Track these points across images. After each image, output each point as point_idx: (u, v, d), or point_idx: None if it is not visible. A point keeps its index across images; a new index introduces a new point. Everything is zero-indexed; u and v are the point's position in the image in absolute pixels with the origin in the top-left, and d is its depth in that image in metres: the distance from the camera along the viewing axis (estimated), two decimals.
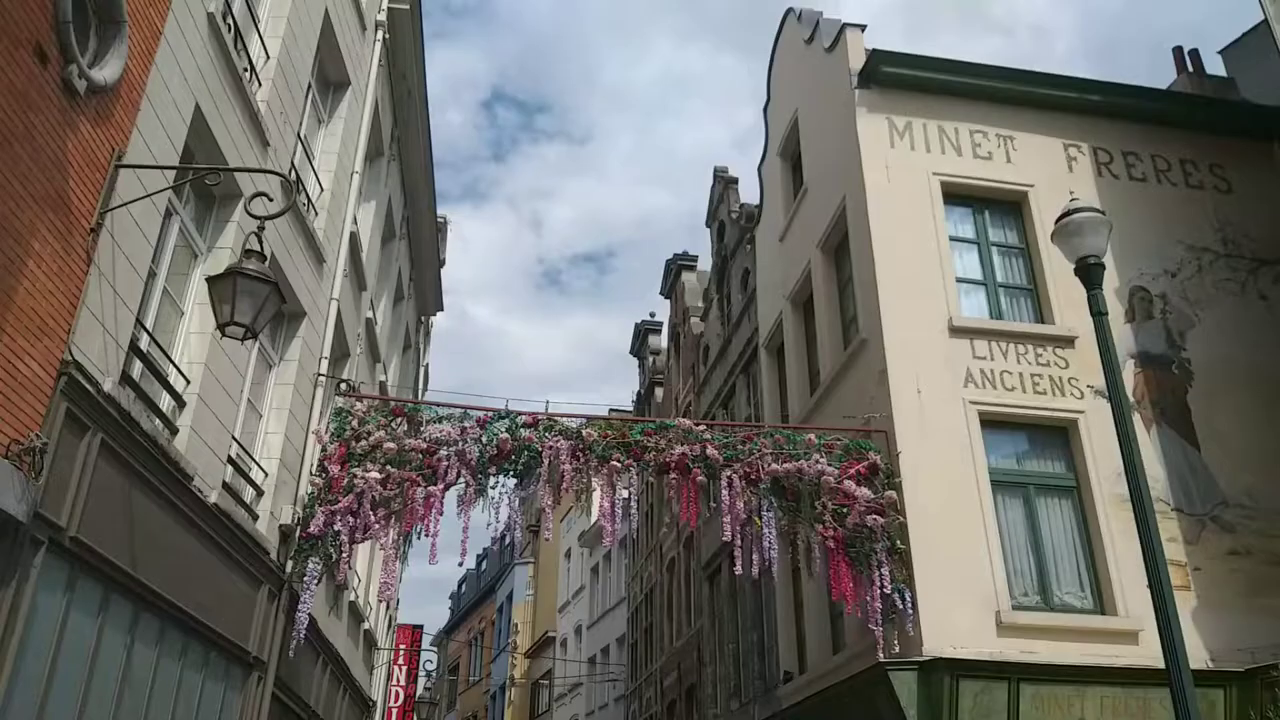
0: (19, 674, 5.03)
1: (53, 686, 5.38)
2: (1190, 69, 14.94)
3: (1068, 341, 11.04)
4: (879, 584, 9.30)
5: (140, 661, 6.47)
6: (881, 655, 9.14)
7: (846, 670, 10.34)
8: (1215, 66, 15.02)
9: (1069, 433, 10.73)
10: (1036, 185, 12.02)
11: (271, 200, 6.43)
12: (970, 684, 8.84)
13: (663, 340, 29.16)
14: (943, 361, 10.65)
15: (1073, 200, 7.69)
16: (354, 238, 11.58)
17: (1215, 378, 11.34)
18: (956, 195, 11.96)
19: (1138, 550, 8.97)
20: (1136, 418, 10.74)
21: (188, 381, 7.14)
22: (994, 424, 10.55)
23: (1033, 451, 10.80)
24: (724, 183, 21.42)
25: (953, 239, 11.68)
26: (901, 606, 9.23)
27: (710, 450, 9.92)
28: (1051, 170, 12.20)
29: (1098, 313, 6.99)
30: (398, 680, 22.00)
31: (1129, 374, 11.10)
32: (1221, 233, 12.29)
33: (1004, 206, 12.16)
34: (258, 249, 5.92)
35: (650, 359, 29.83)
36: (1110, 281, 10.34)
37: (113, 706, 6.09)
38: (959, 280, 11.44)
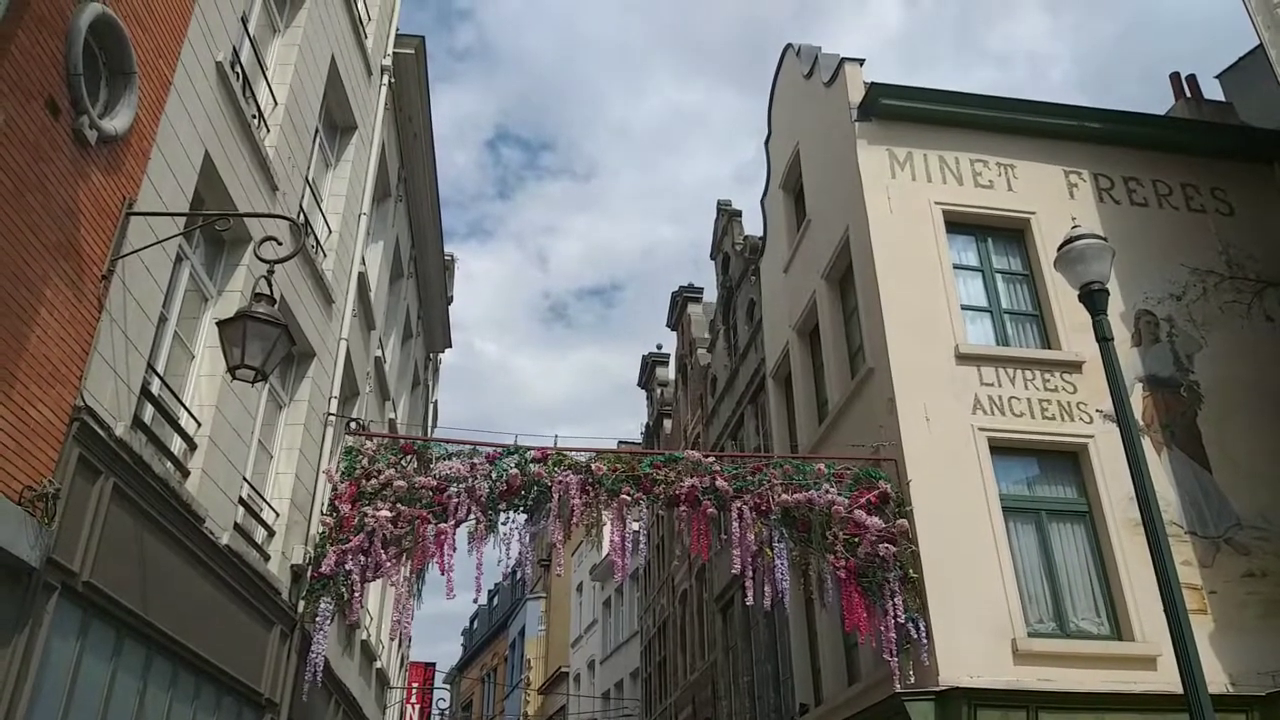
0: (34, 716, 5.03)
1: None
2: (1188, 94, 15.03)
3: (1075, 366, 11.04)
4: (892, 613, 9.24)
5: (153, 705, 6.47)
6: (898, 685, 9.07)
7: (863, 701, 10.25)
8: (1213, 91, 15.11)
9: (1079, 457, 10.70)
10: (1038, 212, 12.07)
11: (280, 244, 6.51)
12: (988, 713, 8.75)
13: (670, 372, 29.20)
14: (950, 389, 10.65)
15: (1075, 227, 7.73)
16: (362, 278, 11.68)
17: (1225, 399, 11.31)
18: (959, 224, 12.01)
19: (1153, 574, 8.99)
20: (1146, 441, 10.71)
21: (199, 424, 7.20)
22: (1004, 450, 10.53)
23: (1043, 477, 10.76)
24: (727, 216, 21.57)
25: (957, 267, 11.72)
26: (916, 636, 9.17)
27: (720, 482, 9.91)
28: (1053, 197, 12.26)
29: (1103, 338, 7.00)
30: (410, 718, 21.84)
31: (1137, 398, 11.08)
32: (1225, 255, 12.31)
33: (1007, 234, 12.21)
34: (267, 293, 6.00)
35: (658, 391, 29.86)
36: (1115, 306, 10.37)
37: None
38: (964, 307, 11.46)
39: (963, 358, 10.85)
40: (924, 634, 9.16)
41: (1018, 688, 8.94)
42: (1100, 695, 9.00)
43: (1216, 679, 9.05)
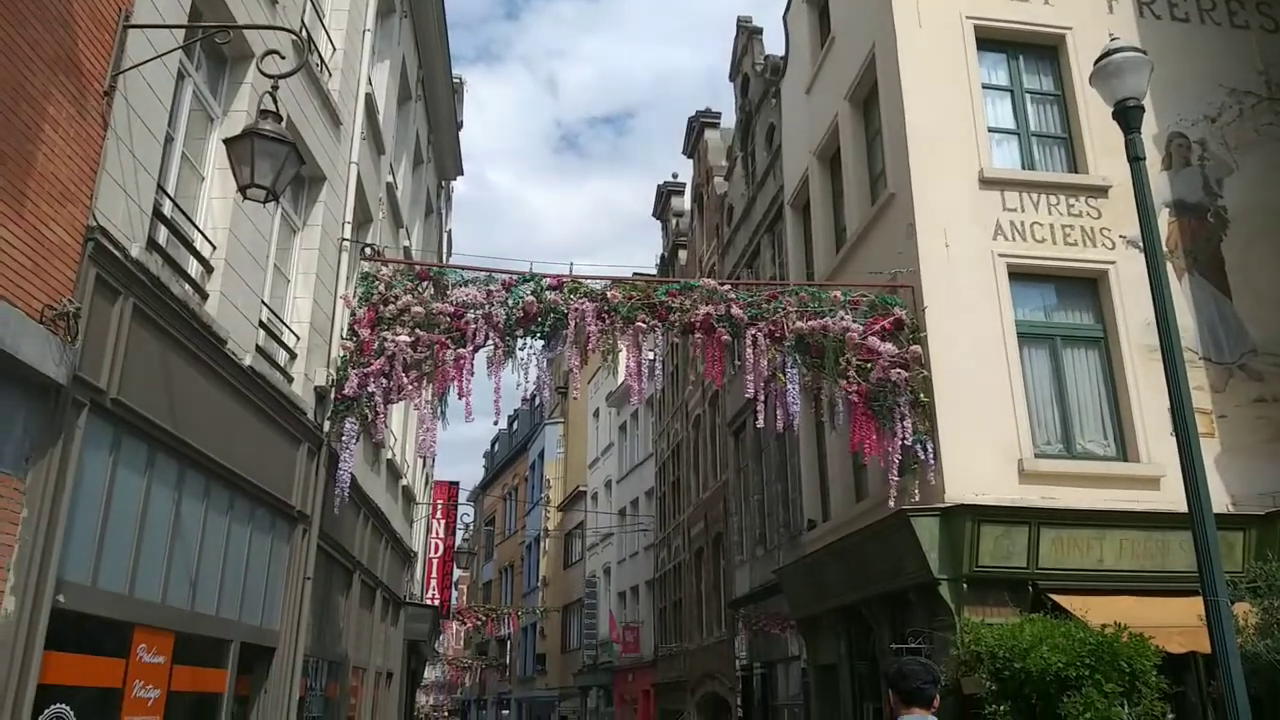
0: (74, 526, 5.28)
1: (107, 537, 5.66)
2: None
3: (1101, 191, 10.79)
4: (901, 436, 9.43)
5: (189, 516, 6.76)
6: (903, 503, 9.37)
7: (869, 517, 10.63)
8: None
9: (1098, 284, 10.63)
10: (1075, 27, 11.50)
11: (284, 58, 6.28)
12: (991, 528, 9.07)
13: (686, 202, 28.78)
14: (972, 214, 10.47)
15: (1113, 40, 7.37)
16: (369, 99, 11.36)
17: (1252, 225, 11.10)
18: (990, 40, 11.48)
19: (1162, 399, 9.04)
20: (1168, 267, 10.56)
21: (214, 247, 7.18)
22: (1023, 276, 10.46)
23: (1061, 303, 10.73)
24: (748, 34, 20.63)
25: (985, 87, 11.30)
26: (924, 457, 9.40)
27: (735, 309, 9.92)
28: (1090, 11, 11.65)
29: (1135, 158, 6.79)
30: (436, 533, 22.90)
31: (1163, 223, 10.88)
32: (1265, 75, 11.78)
33: (1040, 51, 11.68)
34: (273, 109, 5.84)
35: (673, 221, 29.54)
36: (1147, 128, 9.97)
37: (166, 557, 6.41)
38: (991, 130, 11.13)
39: (987, 182, 10.61)
40: (932, 455, 9.39)
41: (1021, 505, 9.22)
42: (1102, 513, 9.28)
43: (1219, 499, 9.26)
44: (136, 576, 6.03)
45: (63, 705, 5.28)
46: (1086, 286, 10.70)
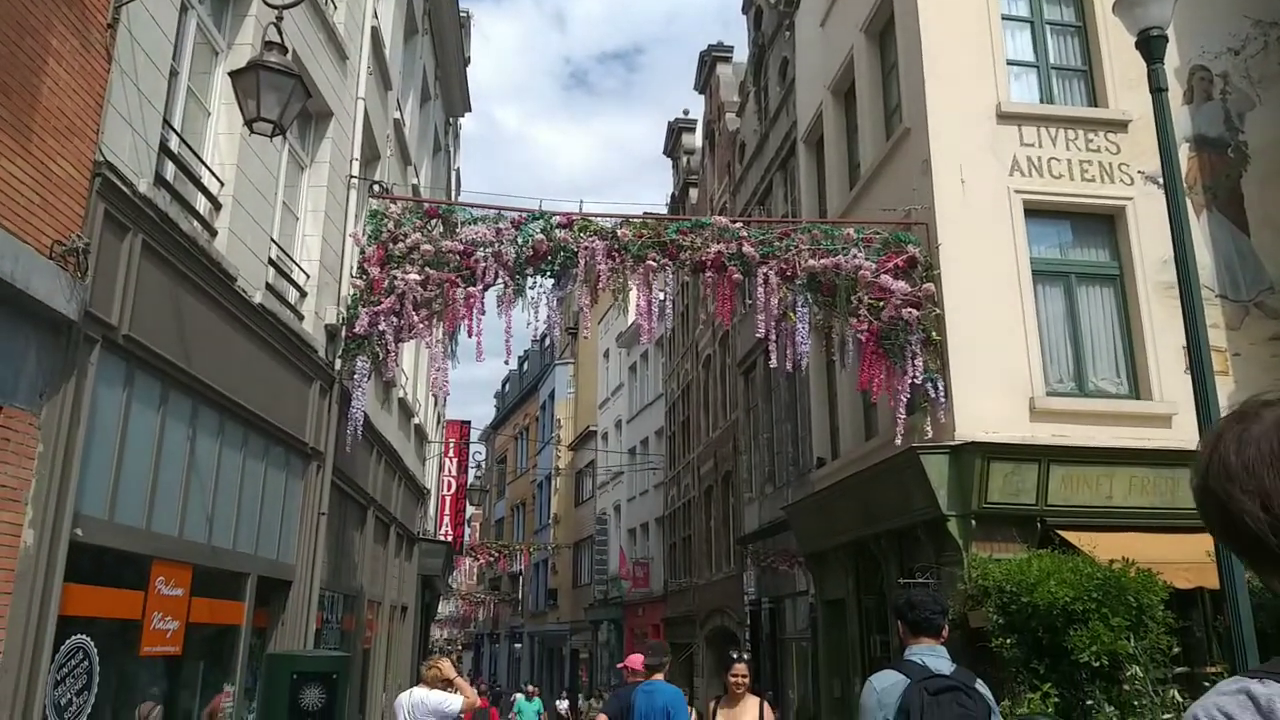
0: (90, 461, 5.33)
1: (123, 473, 5.72)
2: None
3: (1120, 125, 10.59)
4: (912, 374, 9.41)
5: (204, 452, 6.82)
6: (913, 441, 9.39)
7: (879, 455, 10.66)
8: None
9: (1115, 220, 10.49)
10: None
11: None
12: (1001, 465, 9.08)
13: (697, 139, 28.42)
14: (989, 149, 10.30)
15: None
16: (375, 32, 11.18)
17: (1273, 161, 10.89)
18: None
19: (1177, 337, 9.01)
20: (1187, 203, 10.42)
21: (221, 183, 7.13)
22: (1039, 213, 10.32)
23: (1077, 240, 10.60)
24: None
25: (1005, 18, 11.02)
26: (935, 395, 9.39)
27: (746, 247, 9.83)
28: None
29: (1157, 89, 6.63)
30: (449, 471, 23.13)
31: (1182, 157, 10.66)
32: None
33: None
34: (278, 41, 5.75)
35: (684, 159, 29.21)
36: (1169, 61, 9.72)
37: (181, 492, 6.48)
38: (1010, 63, 10.89)
39: (1004, 116, 10.42)
40: (942, 393, 9.37)
41: (1032, 442, 9.22)
42: (1113, 450, 9.28)
43: None
44: (153, 511, 6.11)
45: (83, 636, 5.39)
46: (1103, 223, 10.56)
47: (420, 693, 7.59)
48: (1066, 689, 7.44)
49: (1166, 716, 6.72)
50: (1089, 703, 7.22)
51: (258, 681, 7.41)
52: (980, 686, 3.70)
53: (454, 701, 7.51)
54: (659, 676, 7.35)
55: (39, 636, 4.85)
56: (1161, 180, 7.21)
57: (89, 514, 5.34)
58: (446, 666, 7.82)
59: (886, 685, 3.61)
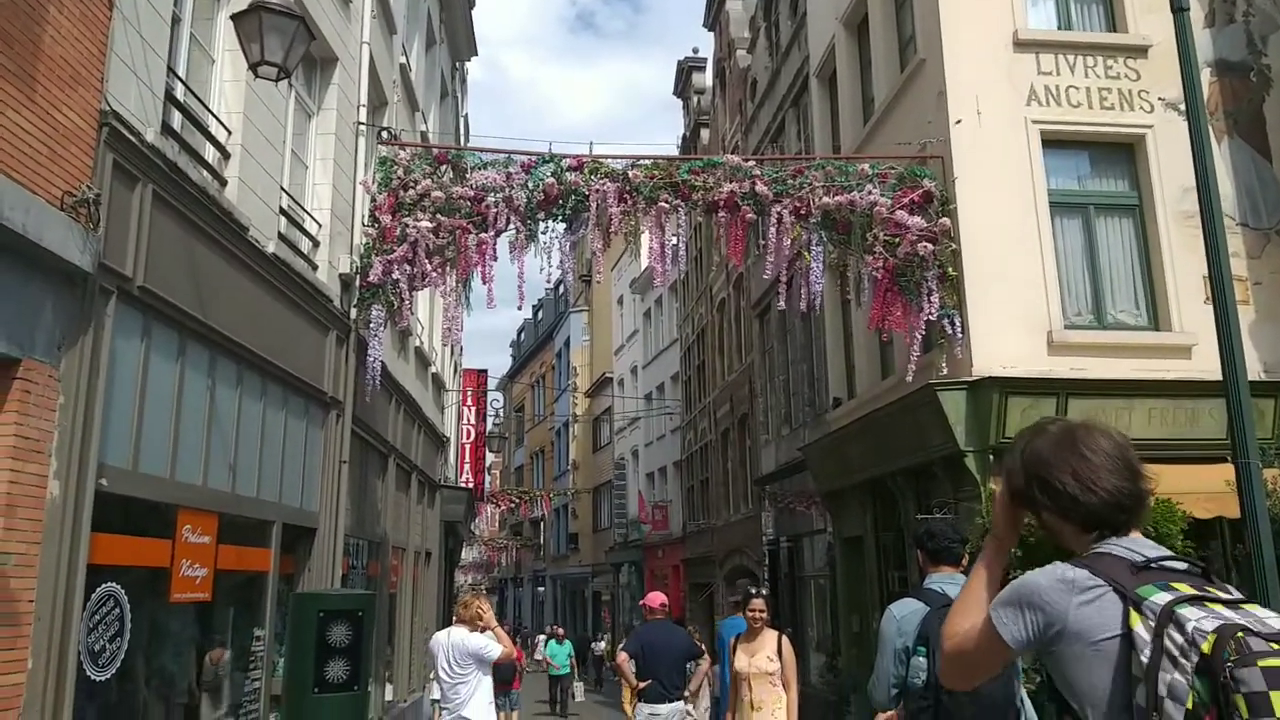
0: (112, 413, 5.38)
1: (145, 423, 5.77)
2: None
3: (1140, 51, 10.34)
4: (928, 311, 9.35)
5: (223, 402, 6.87)
6: (929, 378, 9.36)
7: (895, 393, 10.64)
8: None
9: (1135, 149, 10.30)
10: None
11: None
12: (1018, 400, 9.05)
13: (707, 78, 27.99)
14: (1005, 79, 10.09)
15: None
16: None
17: None
18: None
19: (1197, 267, 8.90)
20: (1208, 129, 10.22)
21: (229, 132, 7.08)
22: (1056, 143, 10.14)
23: (1095, 171, 10.43)
24: None
25: None
26: (951, 331, 9.33)
27: (760, 186, 9.72)
28: None
29: (1179, 8, 6.46)
30: (467, 420, 23.28)
31: (1204, 83, 10.41)
32: None
33: None
34: None
35: (694, 99, 28.80)
36: None
37: (203, 442, 6.55)
38: None
39: (1021, 44, 10.19)
40: (959, 329, 9.32)
41: (1050, 377, 9.18)
42: (1132, 382, 9.23)
43: (1251, 367, 9.10)
44: (177, 461, 6.18)
45: (113, 584, 5.49)
46: (1122, 152, 10.38)
47: (459, 634, 7.08)
48: None
49: None
50: None
51: (286, 625, 7.55)
52: None
53: (494, 648, 7.07)
54: (739, 615, 7.56)
55: (70, 585, 4.94)
56: (1182, 106, 7.07)
57: (113, 464, 5.41)
58: (488, 612, 7.51)
59: (906, 613, 3.63)
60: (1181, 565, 1.75)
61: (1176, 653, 1.57)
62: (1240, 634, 1.53)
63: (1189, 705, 1.52)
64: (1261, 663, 1.49)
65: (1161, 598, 1.64)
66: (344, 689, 4.12)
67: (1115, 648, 1.66)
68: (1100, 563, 1.77)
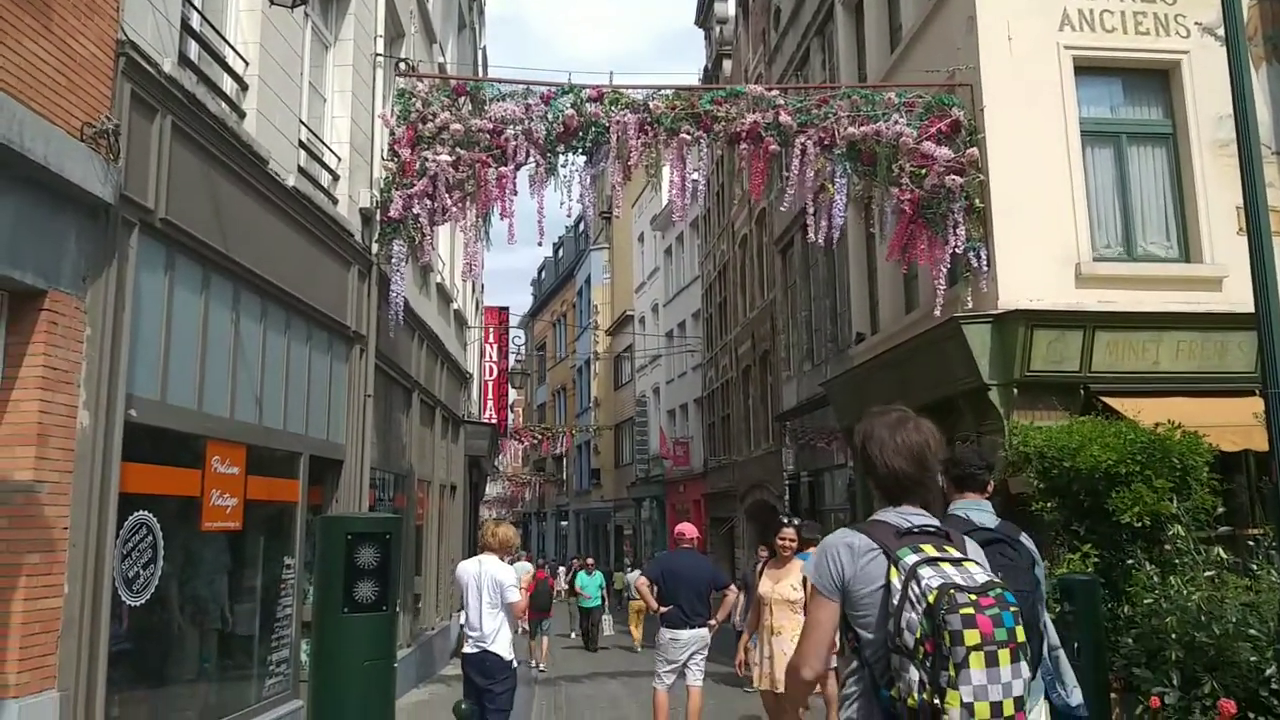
0: (139, 344, 5.43)
1: (172, 355, 5.83)
2: None
3: None
4: (954, 244, 9.22)
5: (248, 335, 6.92)
6: (955, 312, 9.26)
7: (919, 327, 10.56)
8: None
9: (1170, 76, 10.00)
10: None
11: None
12: (1044, 333, 8.96)
13: (730, 7, 27.38)
14: (1037, 3, 9.79)
15: None
16: None
17: None
18: None
19: (1230, 197, 8.69)
20: (1247, 54, 9.90)
21: (246, 63, 7.01)
22: (1089, 70, 9.86)
23: (1128, 99, 10.16)
24: None
25: None
26: (977, 264, 9.21)
27: (783, 116, 9.55)
28: None
29: None
30: (489, 357, 23.39)
31: (1243, 5, 10.09)
32: None
33: None
34: None
35: (717, 29, 28.23)
36: None
37: (230, 374, 6.61)
38: None
39: None
40: (985, 262, 9.20)
41: (1077, 309, 9.06)
42: (1160, 314, 9.10)
43: None
44: (204, 393, 6.25)
45: (145, 512, 5.60)
46: (1157, 79, 10.09)
47: (491, 563, 6.50)
48: (1106, 550, 7.49)
49: (1208, 573, 6.75)
50: (1129, 562, 7.28)
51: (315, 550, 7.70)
52: (1024, 539, 3.72)
53: (515, 592, 6.56)
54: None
55: (103, 513, 5.04)
56: (1220, 31, 6.84)
57: (141, 395, 5.47)
58: (516, 534, 7.14)
59: None
60: (933, 529, 2.37)
61: (914, 599, 2.21)
62: (952, 590, 2.18)
63: (918, 635, 2.18)
64: (961, 610, 2.15)
65: (911, 559, 2.26)
66: (373, 609, 4.20)
67: (881, 593, 2.30)
68: (875, 529, 2.40)
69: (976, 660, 2.13)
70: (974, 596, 2.18)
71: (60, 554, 4.77)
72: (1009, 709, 2.14)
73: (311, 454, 8.07)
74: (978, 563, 2.31)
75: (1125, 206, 9.86)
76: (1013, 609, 2.20)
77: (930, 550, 2.28)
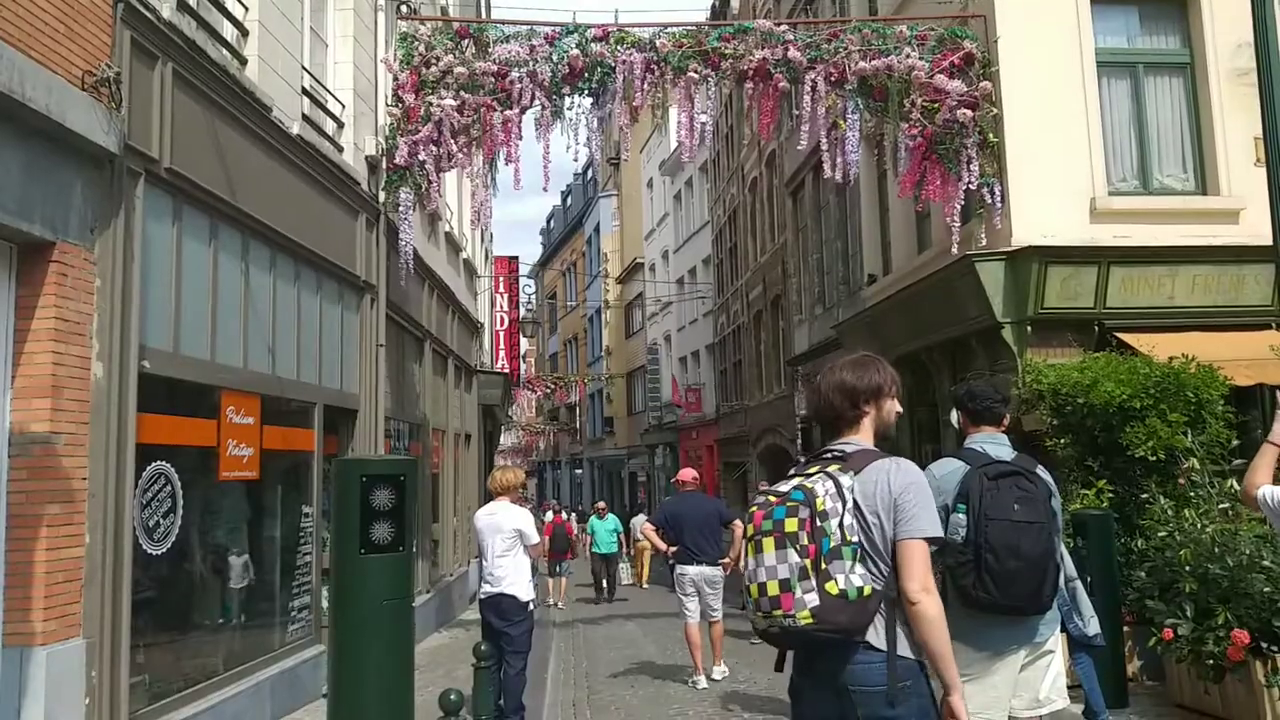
0: (149, 295, 5.43)
1: (183, 306, 5.83)
2: None
3: None
4: (967, 179, 9.09)
5: (257, 286, 6.91)
6: (968, 249, 9.17)
7: (932, 266, 10.46)
8: None
9: (1187, 3, 9.76)
10: None
11: None
12: (1059, 269, 8.87)
13: None
14: None
15: None
16: None
17: None
18: None
19: (1248, 128, 8.52)
20: None
21: (246, 9, 6.90)
22: None
23: (1145, 27, 9.93)
24: None
25: None
26: (991, 200, 9.09)
27: (793, 52, 9.37)
28: None
29: None
30: (500, 306, 23.37)
31: None
32: None
33: None
34: None
35: None
36: None
37: (241, 325, 6.62)
38: None
39: None
40: (999, 198, 9.08)
41: (1092, 244, 8.96)
42: (1177, 248, 8.99)
43: None
44: (216, 343, 6.26)
45: (163, 462, 5.65)
46: (1174, 7, 9.84)
47: (503, 509, 6.47)
48: (1121, 485, 7.50)
49: (1223, 506, 6.75)
50: (1143, 496, 7.28)
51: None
52: (1041, 471, 3.72)
53: (534, 534, 6.55)
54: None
55: (120, 463, 5.09)
56: None
57: (154, 347, 5.49)
58: (518, 475, 6.97)
59: (945, 472, 3.63)
60: (826, 454, 2.70)
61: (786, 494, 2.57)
62: (761, 496, 2.61)
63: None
64: (750, 508, 2.59)
65: (804, 471, 2.65)
66: (390, 550, 4.26)
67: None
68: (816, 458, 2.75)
69: (750, 549, 2.49)
70: (771, 497, 2.54)
71: (80, 504, 4.82)
72: (772, 589, 2.41)
73: (326, 404, 8.10)
74: (836, 477, 2.55)
75: (1141, 139, 9.69)
76: (791, 504, 2.47)
77: (815, 467, 2.62)
